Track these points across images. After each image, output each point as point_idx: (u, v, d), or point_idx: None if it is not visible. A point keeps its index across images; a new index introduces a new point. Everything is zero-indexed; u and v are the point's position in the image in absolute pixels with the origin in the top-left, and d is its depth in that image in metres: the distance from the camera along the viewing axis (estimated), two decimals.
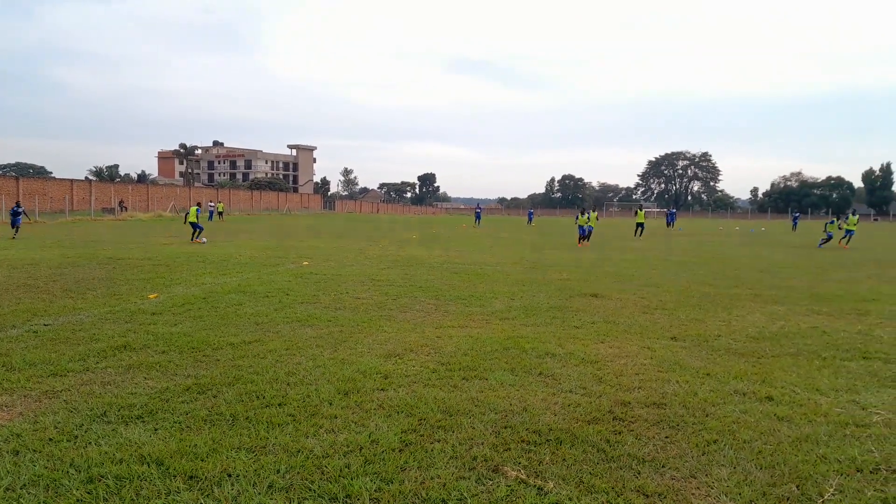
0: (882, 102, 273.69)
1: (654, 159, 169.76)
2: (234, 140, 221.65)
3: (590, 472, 4.07)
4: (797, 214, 61.56)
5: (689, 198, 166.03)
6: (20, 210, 26.50)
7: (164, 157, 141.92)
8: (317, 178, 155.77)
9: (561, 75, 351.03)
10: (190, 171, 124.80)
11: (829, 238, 28.74)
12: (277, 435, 4.57)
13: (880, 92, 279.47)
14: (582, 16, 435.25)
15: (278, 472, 3.99)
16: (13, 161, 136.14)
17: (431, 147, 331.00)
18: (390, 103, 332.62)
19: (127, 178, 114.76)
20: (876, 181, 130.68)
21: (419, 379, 6.00)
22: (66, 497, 3.67)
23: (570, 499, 3.74)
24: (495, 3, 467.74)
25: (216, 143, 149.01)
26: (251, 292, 11.14)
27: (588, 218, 28.41)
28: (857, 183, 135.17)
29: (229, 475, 3.94)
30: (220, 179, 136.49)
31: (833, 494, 3.86)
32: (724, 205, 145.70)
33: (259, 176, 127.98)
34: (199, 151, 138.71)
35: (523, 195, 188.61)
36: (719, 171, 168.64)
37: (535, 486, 3.89)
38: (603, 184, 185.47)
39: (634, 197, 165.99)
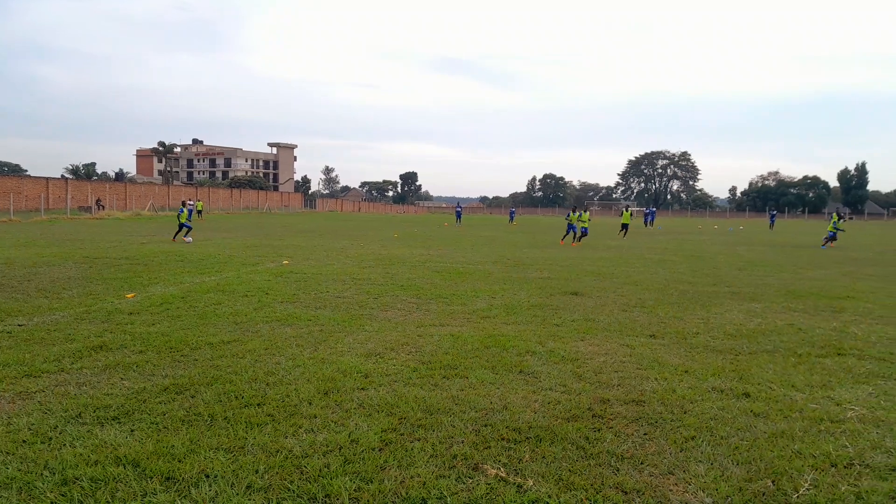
0: (858, 104, 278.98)
1: (634, 158, 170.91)
2: (214, 138, 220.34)
3: (569, 470, 4.09)
4: (774, 213, 62.26)
5: (669, 197, 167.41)
6: None
7: (142, 156, 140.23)
8: (297, 177, 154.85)
9: (543, 75, 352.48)
10: (169, 169, 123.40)
11: (833, 237, 28.39)
12: (256, 435, 4.53)
13: (856, 94, 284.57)
14: (564, 16, 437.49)
15: (257, 472, 3.96)
16: None
17: (414, 146, 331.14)
18: (373, 102, 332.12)
19: (104, 177, 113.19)
20: (851, 180, 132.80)
21: (400, 378, 5.99)
22: (39, 500, 3.62)
23: (550, 496, 3.76)
24: (479, 2, 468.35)
25: (195, 142, 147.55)
26: (230, 291, 11.05)
27: (579, 217, 28.33)
28: (833, 182, 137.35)
29: (207, 476, 3.90)
30: (199, 178, 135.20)
31: (808, 489, 3.91)
32: (702, 204, 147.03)
33: (239, 174, 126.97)
34: (179, 149, 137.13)
35: (505, 194, 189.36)
36: (698, 170, 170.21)
37: (514, 483, 3.90)
38: (584, 183, 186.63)
39: (615, 196, 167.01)
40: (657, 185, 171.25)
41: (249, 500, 3.65)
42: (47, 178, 56.15)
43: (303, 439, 4.48)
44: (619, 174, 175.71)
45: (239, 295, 10.70)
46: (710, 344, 7.77)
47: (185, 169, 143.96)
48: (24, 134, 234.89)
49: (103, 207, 53.77)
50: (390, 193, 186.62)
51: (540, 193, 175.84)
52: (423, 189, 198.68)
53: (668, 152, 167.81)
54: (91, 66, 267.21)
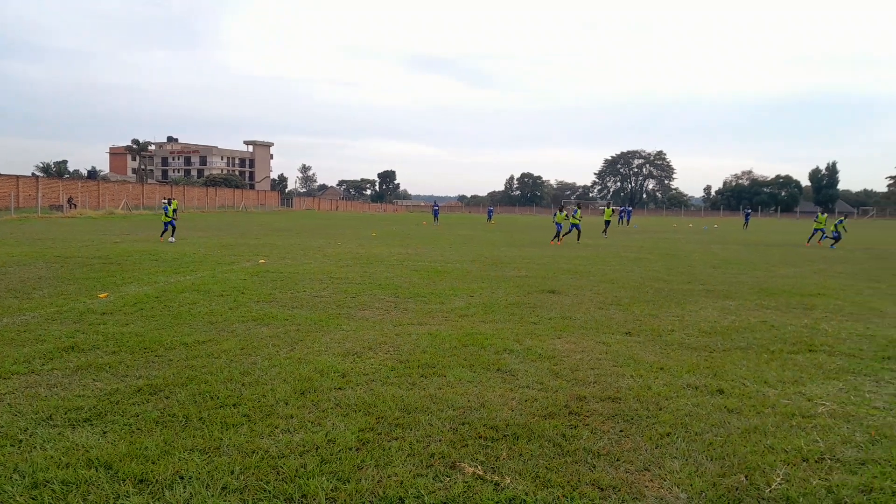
0: (830, 105, 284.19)
1: (610, 158, 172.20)
2: (189, 136, 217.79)
3: (546, 467, 4.11)
4: (748, 211, 62.80)
5: (645, 196, 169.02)
6: None
7: (115, 154, 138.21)
8: (274, 175, 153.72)
9: (521, 74, 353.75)
10: (143, 167, 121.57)
11: (839, 238, 28.19)
12: (232, 435, 4.49)
13: (828, 95, 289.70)
14: (543, 16, 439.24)
15: (232, 473, 3.92)
16: None
17: (392, 144, 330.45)
18: (350, 100, 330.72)
19: (77, 175, 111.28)
20: (822, 180, 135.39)
21: (377, 377, 5.98)
22: (9, 503, 3.55)
23: (527, 493, 3.77)
24: (459, 1, 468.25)
25: (170, 139, 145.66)
26: (206, 291, 10.94)
27: (566, 216, 28.21)
28: (805, 182, 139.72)
29: (181, 477, 3.86)
30: (174, 176, 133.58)
31: (780, 484, 3.97)
32: (678, 202, 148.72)
33: (214, 172, 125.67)
34: (153, 147, 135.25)
35: (483, 193, 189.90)
36: (674, 169, 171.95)
37: (491, 481, 3.90)
38: (561, 182, 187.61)
39: (591, 195, 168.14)
40: (633, 184, 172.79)
41: (225, 501, 3.61)
42: (17, 176, 55.00)
43: (279, 439, 4.44)
44: (595, 173, 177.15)
45: (214, 294, 10.59)
46: (684, 341, 7.86)
47: (160, 167, 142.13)
48: None
49: (75, 206, 52.88)
50: (368, 192, 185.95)
51: (518, 192, 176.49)
52: (402, 188, 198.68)
53: (644, 151, 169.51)
54: (63, 62, 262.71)
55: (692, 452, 4.40)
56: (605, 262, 18.46)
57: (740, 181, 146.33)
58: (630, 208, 65.75)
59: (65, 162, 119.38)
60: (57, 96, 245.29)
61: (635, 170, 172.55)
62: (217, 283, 11.86)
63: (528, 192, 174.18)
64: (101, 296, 10.20)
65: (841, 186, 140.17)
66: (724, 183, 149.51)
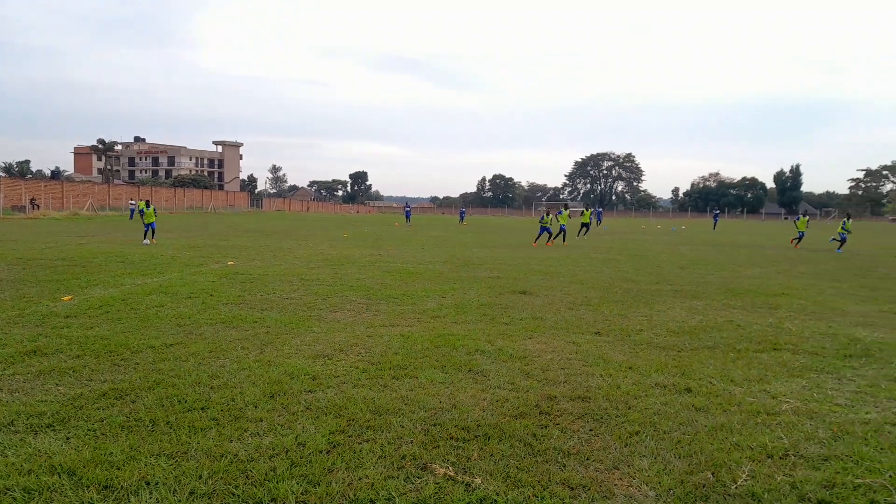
0: (794, 108, 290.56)
1: (580, 160, 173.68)
2: (157, 136, 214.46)
3: (517, 467, 4.13)
4: (717, 212, 63.59)
5: (614, 197, 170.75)
6: None
7: (80, 153, 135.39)
8: (244, 176, 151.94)
9: (492, 77, 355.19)
10: (109, 167, 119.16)
11: (844, 240, 28.01)
12: (200, 440, 4.43)
13: (793, 98, 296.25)
14: (514, 19, 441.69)
15: (200, 477, 3.87)
16: None
17: (364, 145, 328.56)
18: (321, 100, 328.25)
19: (40, 175, 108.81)
20: (786, 182, 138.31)
21: (348, 379, 5.94)
22: None
23: (498, 493, 3.78)
24: (428, 2, 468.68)
25: (137, 139, 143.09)
26: (173, 293, 10.77)
27: (553, 218, 28.18)
28: (770, 184, 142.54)
29: (148, 483, 3.79)
30: (141, 176, 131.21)
31: (745, 480, 4.04)
32: (646, 204, 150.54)
33: (183, 173, 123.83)
34: (120, 147, 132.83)
35: (455, 194, 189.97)
36: (642, 171, 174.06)
37: (463, 482, 3.91)
38: (532, 184, 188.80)
39: (562, 196, 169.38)
40: (603, 185, 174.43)
41: None
42: None
43: (248, 443, 4.39)
44: (566, 175, 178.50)
45: (182, 297, 10.44)
46: (653, 341, 7.96)
47: (127, 167, 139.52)
48: None
49: (38, 207, 51.66)
50: (340, 193, 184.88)
51: (490, 194, 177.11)
52: (374, 189, 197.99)
53: (613, 154, 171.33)
54: (25, 58, 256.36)
55: (660, 450, 4.45)
56: (575, 262, 18.61)
57: (708, 183, 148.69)
58: (600, 209, 66.36)
59: (27, 161, 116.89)
60: (19, 93, 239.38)
61: (605, 172, 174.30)
62: (185, 286, 11.69)
63: (500, 194, 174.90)
64: (64, 298, 9.98)
65: (804, 188, 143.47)
66: (692, 185, 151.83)
